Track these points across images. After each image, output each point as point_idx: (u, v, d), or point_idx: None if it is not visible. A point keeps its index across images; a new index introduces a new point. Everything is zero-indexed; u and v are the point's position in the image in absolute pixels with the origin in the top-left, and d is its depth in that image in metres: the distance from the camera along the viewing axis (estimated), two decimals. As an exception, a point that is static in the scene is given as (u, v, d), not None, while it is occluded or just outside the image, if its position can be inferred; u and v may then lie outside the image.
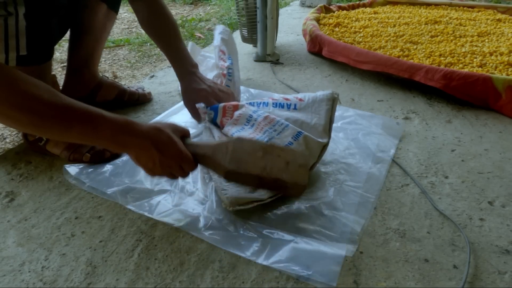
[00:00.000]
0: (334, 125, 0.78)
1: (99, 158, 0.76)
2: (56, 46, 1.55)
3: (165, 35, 0.87)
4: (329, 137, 0.73)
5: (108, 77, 1.00)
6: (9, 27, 0.60)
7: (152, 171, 0.56)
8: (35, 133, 0.52)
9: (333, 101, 0.75)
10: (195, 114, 0.86)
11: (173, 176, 0.58)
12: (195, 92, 0.84)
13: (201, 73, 0.89)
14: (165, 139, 0.54)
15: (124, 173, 0.74)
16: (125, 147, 0.53)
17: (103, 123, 0.50)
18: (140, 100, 1.03)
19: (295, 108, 0.77)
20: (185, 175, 0.59)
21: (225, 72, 0.94)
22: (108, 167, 0.75)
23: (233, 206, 0.61)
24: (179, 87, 0.91)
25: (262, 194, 0.63)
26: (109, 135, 0.51)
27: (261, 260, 0.55)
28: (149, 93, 1.07)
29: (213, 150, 0.58)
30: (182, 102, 0.92)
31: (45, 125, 0.48)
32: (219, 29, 1.05)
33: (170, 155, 0.54)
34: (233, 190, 0.63)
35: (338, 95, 0.75)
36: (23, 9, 0.60)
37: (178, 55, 0.87)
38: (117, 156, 0.79)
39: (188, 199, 0.67)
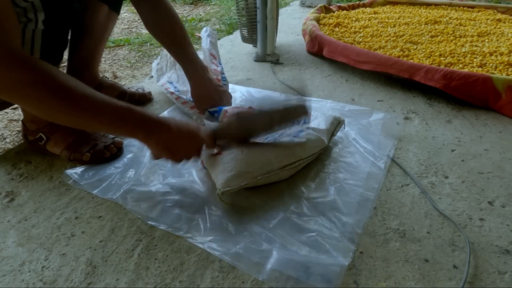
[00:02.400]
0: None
1: (99, 158, 0.76)
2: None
3: (173, 38, 0.86)
4: (328, 142, 0.79)
5: (108, 78, 1.00)
6: (26, 32, 0.60)
7: (172, 155, 0.62)
8: (61, 120, 0.55)
9: (338, 122, 0.83)
10: (201, 113, 0.91)
11: (190, 156, 0.65)
12: (203, 94, 0.88)
13: (209, 74, 0.90)
14: (183, 122, 0.63)
15: (125, 177, 0.74)
16: (149, 131, 0.59)
17: (130, 114, 0.57)
18: (140, 100, 1.03)
19: (305, 122, 0.81)
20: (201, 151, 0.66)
21: (219, 77, 0.98)
22: (108, 173, 0.74)
23: (224, 187, 0.63)
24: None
25: (251, 176, 0.66)
26: (134, 123, 0.58)
27: (261, 260, 0.55)
28: (149, 93, 1.07)
29: (225, 122, 0.69)
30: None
31: (76, 113, 0.53)
32: (207, 31, 1.09)
33: (189, 134, 0.63)
34: (224, 175, 0.65)
35: (344, 121, 0.84)
36: (42, 15, 0.60)
37: (187, 57, 0.87)
38: (116, 156, 0.79)
39: (188, 201, 0.67)
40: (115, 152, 0.78)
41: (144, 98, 1.04)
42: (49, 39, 0.64)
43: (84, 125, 0.58)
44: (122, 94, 0.99)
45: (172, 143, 0.61)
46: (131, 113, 0.57)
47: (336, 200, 0.66)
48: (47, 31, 0.63)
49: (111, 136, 0.81)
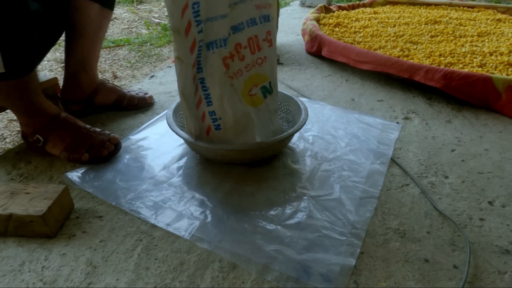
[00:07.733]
0: (334, 124, 0.84)
1: (97, 157, 0.76)
2: (56, 46, 1.55)
3: None
4: None
5: (109, 81, 0.99)
6: None
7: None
8: None
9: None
10: None
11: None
12: None
13: None
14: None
15: (126, 178, 0.74)
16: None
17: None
18: (139, 105, 1.00)
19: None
20: None
21: None
22: (109, 174, 0.74)
23: None
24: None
25: None
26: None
27: (262, 260, 0.55)
28: (150, 97, 1.03)
29: None
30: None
31: None
32: None
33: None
34: None
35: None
36: None
37: None
38: (114, 153, 0.78)
39: (189, 202, 0.67)
40: (112, 150, 0.78)
41: (143, 103, 1.01)
42: (11, 52, 0.61)
43: None
44: (121, 98, 0.97)
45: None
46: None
47: (341, 196, 0.67)
48: (5, 45, 0.59)
49: (107, 132, 0.81)
